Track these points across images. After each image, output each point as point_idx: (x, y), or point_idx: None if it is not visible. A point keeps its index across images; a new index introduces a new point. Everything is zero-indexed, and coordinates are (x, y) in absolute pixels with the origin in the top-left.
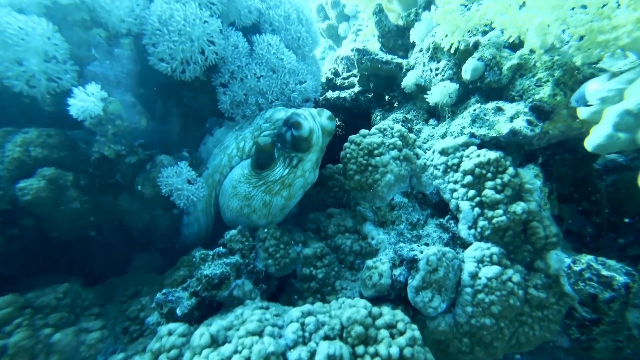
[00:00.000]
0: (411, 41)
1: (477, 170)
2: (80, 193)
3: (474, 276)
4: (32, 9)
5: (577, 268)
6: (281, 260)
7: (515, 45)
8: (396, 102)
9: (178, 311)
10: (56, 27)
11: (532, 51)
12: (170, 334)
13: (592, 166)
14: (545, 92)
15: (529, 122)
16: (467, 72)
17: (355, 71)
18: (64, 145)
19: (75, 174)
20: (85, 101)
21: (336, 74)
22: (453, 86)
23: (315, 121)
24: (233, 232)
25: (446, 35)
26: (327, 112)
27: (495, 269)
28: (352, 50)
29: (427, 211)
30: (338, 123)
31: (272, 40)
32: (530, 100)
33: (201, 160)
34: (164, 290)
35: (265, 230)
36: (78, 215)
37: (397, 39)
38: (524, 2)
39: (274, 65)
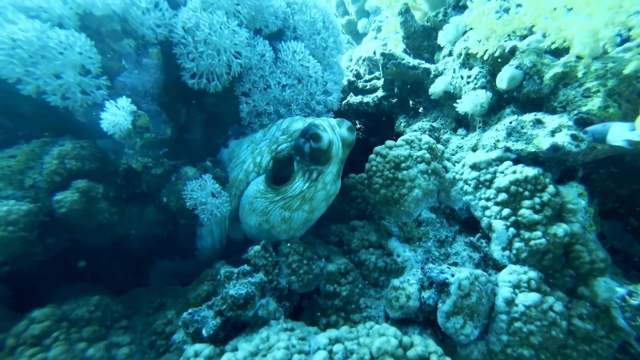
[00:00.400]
0: (439, 44)
1: (513, 187)
2: (110, 204)
3: (510, 302)
4: (70, 21)
5: (634, 302)
6: (304, 276)
7: (559, 52)
8: (421, 108)
9: (204, 332)
10: (92, 42)
11: (579, 58)
12: (196, 355)
13: None
14: (594, 103)
15: (574, 137)
16: (502, 81)
17: (377, 73)
18: (95, 157)
19: (105, 186)
20: (116, 115)
21: (358, 76)
22: (485, 95)
23: (335, 132)
24: (257, 247)
25: (480, 41)
26: (347, 123)
27: (534, 296)
28: (377, 54)
29: (455, 227)
30: (358, 126)
31: (298, 48)
32: (575, 112)
33: (224, 169)
34: (190, 310)
35: (289, 244)
36: (107, 225)
37: (423, 40)
38: (571, 6)
39: (300, 74)
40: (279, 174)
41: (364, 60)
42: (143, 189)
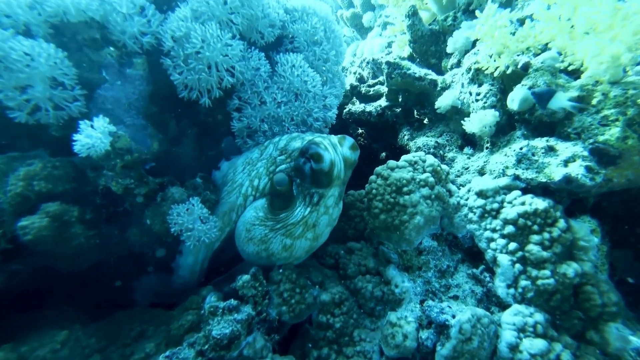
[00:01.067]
0: (448, 51)
1: (521, 220)
2: (86, 228)
3: (514, 349)
4: (39, 29)
5: None
6: (296, 306)
7: (576, 72)
8: (426, 119)
9: None
10: (65, 53)
11: (597, 82)
12: None
13: None
14: (613, 133)
15: (589, 169)
16: (514, 102)
17: (381, 78)
18: (69, 176)
19: (81, 208)
20: (91, 137)
21: (361, 80)
22: (493, 117)
23: (337, 152)
24: (246, 277)
25: (491, 56)
26: (349, 141)
27: (541, 344)
28: (382, 58)
29: (457, 256)
30: (360, 131)
31: (297, 61)
32: (591, 141)
33: (216, 187)
34: (167, 353)
35: (281, 271)
36: (83, 250)
37: (430, 44)
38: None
39: (298, 90)
40: (276, 203)
41: (367, 63)
42: (126, 207)
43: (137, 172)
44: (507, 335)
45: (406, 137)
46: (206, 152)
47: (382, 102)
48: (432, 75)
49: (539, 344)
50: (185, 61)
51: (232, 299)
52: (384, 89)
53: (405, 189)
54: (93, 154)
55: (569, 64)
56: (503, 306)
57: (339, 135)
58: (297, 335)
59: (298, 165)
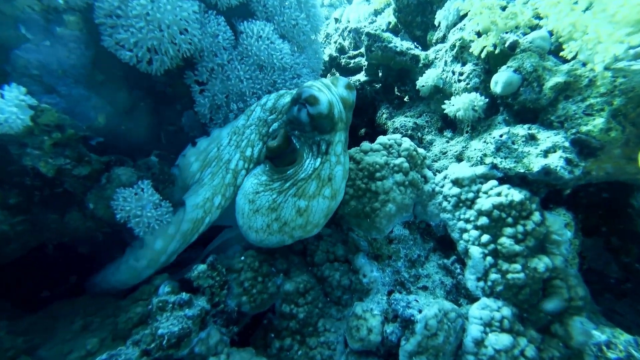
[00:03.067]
0: (435, 23)
1: (496, 212)
2: (9, 215)
3: (479, 343)
4: None
5: (612, 356)
6: (258, 296)
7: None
8: (407, 97)
9: None
10: None
11: (585, 65)
12: None
13: (629, 201)
14: (596, 124)
15: (568, 161)
16: (497, 85)
17: (363, 49)
18: None
19: (3, 191)
20: (3, 111)
21: (342, 50)
22: (481, 101)
23: (332, 92)
24: (202, 267)
25: (478, 34)
26: (342, 80)
27: (506, 340)
28: (362, 31)
29: (429, 244)
30: None
31: (264, 32)
32: (574, 131)
33: (173, 174)
34: (104, 356)
35: (242, 258)
36: (8, 239)
37: (416, 14)
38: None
39: (262, 62)
40: (277, 161)
41: (349, 31)
42: (66, 187)
43: (74, 151)
44: (473, 330)
45: (384, 116)
46: (165, 126)
47: (362, 76)
48: (415, 50)
49: (504, 340)
50: (131, 22)
51: (183, 293)
52: (364, 61)
53: (378, 174)
54: (8, 131)
55: (570, 53)
56: (472, 299)
57: (331, 77)
58: (259, 325)
59: (292, 115)
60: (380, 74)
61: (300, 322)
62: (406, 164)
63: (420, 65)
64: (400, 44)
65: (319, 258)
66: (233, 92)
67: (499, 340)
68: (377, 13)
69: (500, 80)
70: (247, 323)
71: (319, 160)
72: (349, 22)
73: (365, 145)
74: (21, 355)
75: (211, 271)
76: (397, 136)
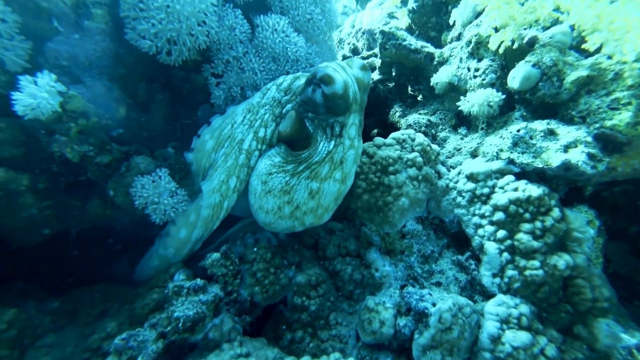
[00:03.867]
0: (451, 22)
1: (512, 207)
2: (38, 199)
3: (496, 340)
4: None
5: None
6: (270, 287)
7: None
8: (420, 96)
9: None
10: None
11: (610, 58)
12: None
13: None
14: (622, 118)
15: (591, 156)
16: (515, 80)
17: (376, 50)
18: (18, 140)
19: (33, 176)
20: (36, 97)
21: (355, 51)
22: (497, 97)
23: (347, 73)
24: (215, 255)
25: (495, 29)
26: (357, 61)
27: (524, 336)
28: (377, 29)
29: (443, 241)
30: None
31: (279, 25)
32: (597, 125)
33: (188, 164)
34: (124, 335)
35: (255, 250)
36: (35, 222)
37: (431, 15)
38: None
39: (277, 54)
40: (292, 143)
41: (363, 33)
42: (89, 176)
43: (98, 139)
44: (489, 326)
45: (397, 114)
46: (181, 120)
47: (375, 75)
48: (429, 48)
49: (522, 337)
50: (154, 14)
51: (198, 279)
52: (377, 61)
53: (391, 168)
54: (39, 116)
55: (593, 45)
56: (487, 295)
57: (346, 60)
58: (271, 316)
59: (306, 96)
60: (393, 73)
61: (311, 314)
62: (420, 159)
63: (435, 62)
64: (415, 41)
65: (331, 252)
66: (248, 84)
67: (516, 337)
68: (391, 16)
69: (517, 74)
70: (258, 315)
71: (332, 143)
72: (362, 25)
73: (379, 140)
74: (48, 333)
75: (224, 260)
76: (411, 131)
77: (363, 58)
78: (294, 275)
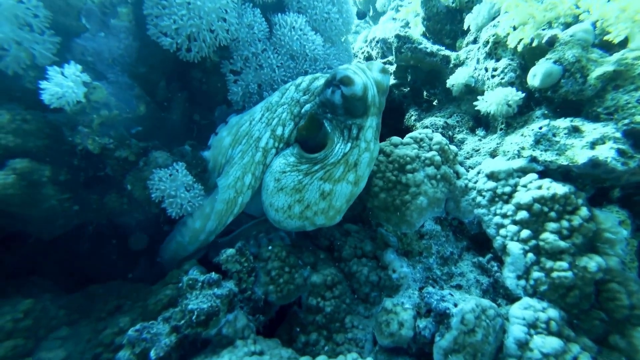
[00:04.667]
0: (465, 27)
1: (537, 206)
2: (59, 190)
3: (523, 346)
4: None
5: None
6: (284, 286)
7: (612, 46)
8: (435, 101)
9: (152, 354)
10: None
11: None
12: None
13: None
14: None
15: (621, 153)
16: (535, 78)
17: (391, 58)
18: (42, 132)
19: (55, 168)
20: (62, 86)
21: (369, 59)
22: (517, 95)
23: (367, 75)
24: (230, 251)
25: (514, 28)
26: (377, 65)
27: (555, 342)
28: (392, 36)
29: (462, 243)
30: None
31: (297, 23)
32: (626, 121)
33: (205, 161)
34: (137, 326)
35: (270, 248)
36: (56, 214)
37: (445, 23)
38: None
39: (295, 52)
40: (309, 141)
41: (377, 42)
42: (107, 172)
43: (118, 132)
44: (516, 331)
45: (413, 118)
46: (198, 120)
47: (390, 80)
48: (445, 51)
49: (552, 343)
50: (175, 10)
51: (213, 273)
52: (392, 68)
53: (408, 166)
54: (64, 105)
55: (616, 37)
56: (511, 299)
57: (366, 62)
58: (285, 318)
59: (325, 97)
60: (409, 78)
61: (326, 316)
62: (438, 157)
63: (451, 65)
64: (430, 45)
65: (347, 253)
66: (265, 81)
67: (546, 343)
68: (405, 27)
69: (538, 72)
70: (272, 318)
71: (349, 145)
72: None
73: (395, 139)
74: (62, 326)
75: (239, 256)
76: (428, 131)
77: None
78: (309, 275)
